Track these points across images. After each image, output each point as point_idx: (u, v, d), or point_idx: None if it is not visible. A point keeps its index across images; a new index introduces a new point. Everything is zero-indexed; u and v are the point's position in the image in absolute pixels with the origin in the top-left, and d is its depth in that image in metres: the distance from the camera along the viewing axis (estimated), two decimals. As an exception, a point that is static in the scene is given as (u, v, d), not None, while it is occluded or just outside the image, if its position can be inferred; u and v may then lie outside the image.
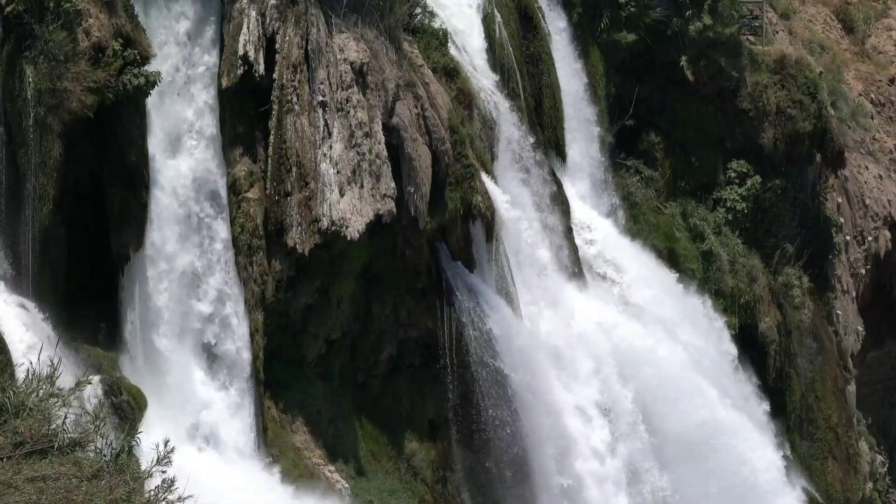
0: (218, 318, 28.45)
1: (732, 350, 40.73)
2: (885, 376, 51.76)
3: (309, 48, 29.21)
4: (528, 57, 37.54)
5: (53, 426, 12.89)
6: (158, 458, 12.16)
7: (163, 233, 27.52)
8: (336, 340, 30.79)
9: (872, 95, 52.02)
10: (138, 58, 26.15)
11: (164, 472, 12.24)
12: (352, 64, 29.71)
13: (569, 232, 36.84)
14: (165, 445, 12.20)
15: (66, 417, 13.10)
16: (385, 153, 29.77)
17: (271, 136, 28.84)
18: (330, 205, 28.84)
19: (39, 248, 25.39)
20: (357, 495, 29.82)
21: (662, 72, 42.49)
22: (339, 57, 29.55)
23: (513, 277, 33.47)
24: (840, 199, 46.85)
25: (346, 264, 30.19)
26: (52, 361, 13.25)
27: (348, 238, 29.02)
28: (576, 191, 38.82)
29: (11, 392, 12.98)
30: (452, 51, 34.07)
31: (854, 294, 47.51)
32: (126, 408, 25.13)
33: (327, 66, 29.36)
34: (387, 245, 30.98)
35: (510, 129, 35.31)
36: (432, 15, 33.53)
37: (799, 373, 43.36)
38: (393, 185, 29.76)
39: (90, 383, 22.01)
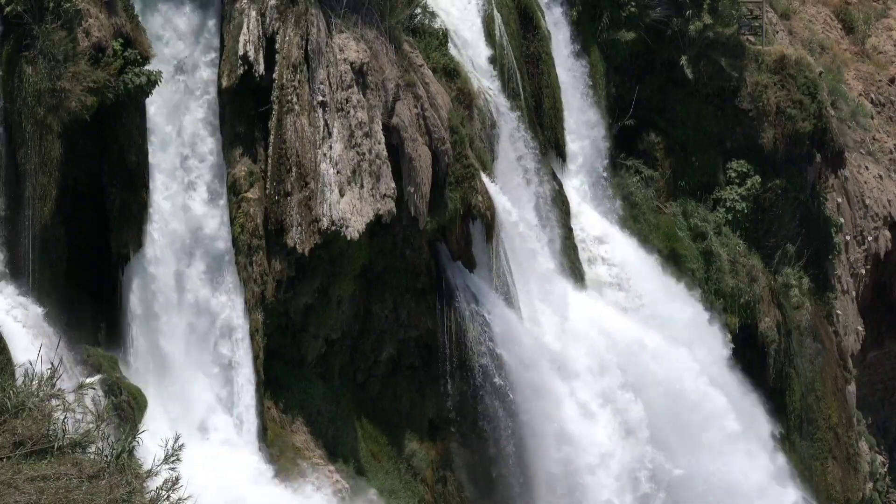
0: (218, 318, 28.45)
1: (729, 353, 40.66)
2: (885, 376, 51.76)
3: (309, 48, 29.20)
4: (528, 57, 37.51)
5: (53, 426, 12.86)
6: (167, 455, 12.10)
7: None
8: (336, 340, 30.78)
9: (872, 95, 52.01)
10: (138, 57, 26.14)
11: (172, 469, 12.18)
12: (352, 64, 29.69)
13: (569, 232, 36.83)
14: (175, 442, 12.13)
15: (65, 418, 13.07)
16: (385, 153, 29.76)
17: (271, 136, 28.83)
18: (330, 205, 28.83)
19: (39, 247, 25.38)
20: (357, 495, 29.81)
21: (662, 72, 42.49)
22: (339, 57, 29.54)
23: (513, 277, 33.46)
24: (840, 199, 46.83)
25: (346, 264, 30.19)
26: (52, 363, 13.22)
27: (348, 238, 29.01)
28: (576, 191, 38.80)
29: (11, 392, 12.95)
30: (452, 51, 34.06)
31: (854, 294, 47.48)
32: (126, 408, 25.12)
33: (327, 66, 29.35)
34: (387, 245, 30.98)
35: (510, 128, 35.30)
36: (432, 15, 33.52)
37: (799, 373, 43.34)
38: (393, 185, 29.76)
39: (94, 388, 21.98)
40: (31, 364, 13.79)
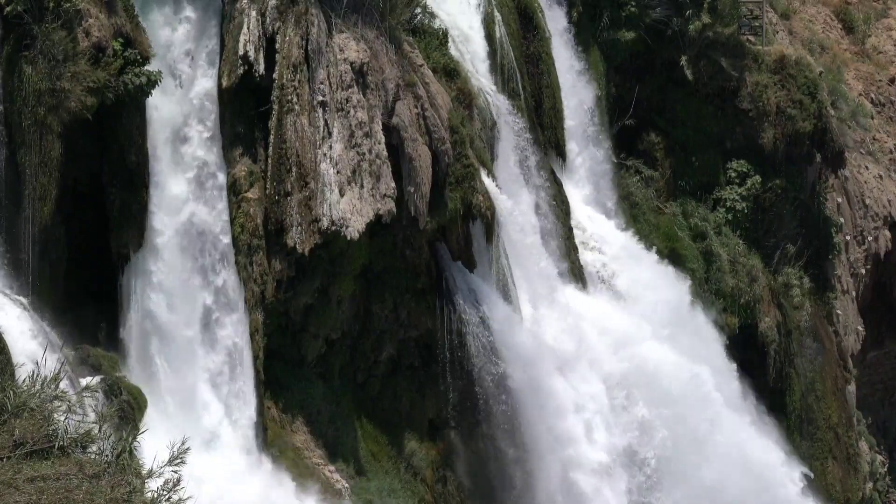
0: (218, 318, 28.43)
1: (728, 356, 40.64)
2: (885, 376, 51.79)
3: (309, 48, 29.19)
4: (528, 57, 37.52)
5: (54, 427, 12.85)
6: (172, 457, 12.09)
7: None
8: (336, 340, 30.78)
9: (872, 95, 52.04)
10: (139, 57, 26.13)
11: (175, 470, 12.18)
12: (352, 64, 29.69)
13: (569, 232, 36.83)
14: (182, 444, 12.12)
15: (66, 419, 13.06)
16: (385, 153, 29.76)
17: (271, 136, 28.82)
18: (330, 205, 28.83)
19: (39, 247, 25.37)
20: (357, 495, 29.81)
21: (662, 72, 42.51)
22: (339, 57, 29.53)
23: (513, 277, 33.46)
24: (840, 199, 46.85)
25: (346, 264, 30.18)
26: (57, 367, 13.20)
27: (348, 238, 29.01)
28: (576, 191, 38.80)
29: (11, 392, 12.94)
30: (452, 51, 34.06)
31: (854, 294, 47.51)
32: (126, 408, 25.12)
33: (327, 66, 29.34)
34: (387, 245, 30.98)
35: (510, 128, 35.28)
36: (432, 15, 33.53)
37: (799, 373, 43.35)
38: (393, 185, 29.75)
39: (97, 391, 21.96)
40: (37, 364, 13.79)
